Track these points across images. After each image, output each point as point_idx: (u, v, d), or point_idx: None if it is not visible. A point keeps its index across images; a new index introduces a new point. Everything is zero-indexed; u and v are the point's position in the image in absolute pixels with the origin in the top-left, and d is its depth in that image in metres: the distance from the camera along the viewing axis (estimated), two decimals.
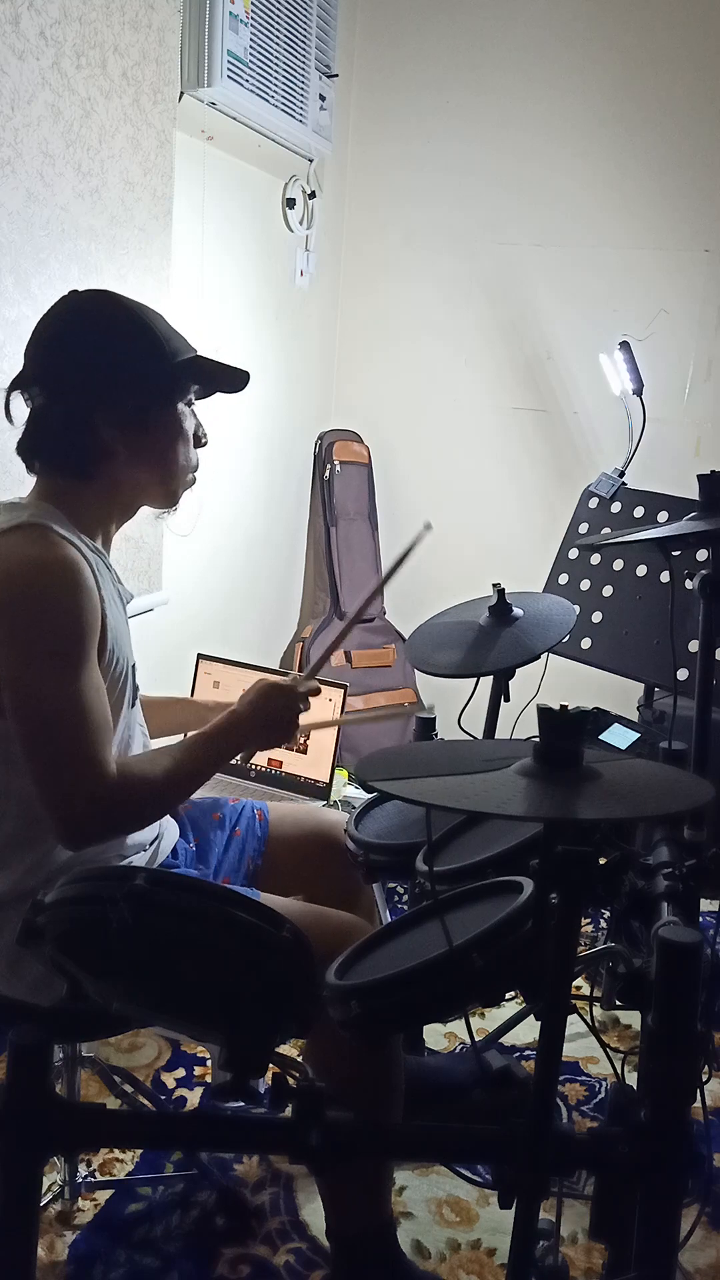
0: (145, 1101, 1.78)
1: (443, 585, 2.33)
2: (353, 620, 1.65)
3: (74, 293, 1.37)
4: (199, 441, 1.44)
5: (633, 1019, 2.14)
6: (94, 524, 1.38)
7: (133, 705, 1.43)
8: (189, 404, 1.42)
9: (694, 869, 1.32)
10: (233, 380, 1.44)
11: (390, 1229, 1.47)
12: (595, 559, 2.56)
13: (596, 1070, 2.03)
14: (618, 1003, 2.03)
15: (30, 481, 1.40)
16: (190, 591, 2.72)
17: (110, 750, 1.26)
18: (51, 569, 1.24)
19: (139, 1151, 1.76)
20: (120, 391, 1.33)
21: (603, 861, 1.26)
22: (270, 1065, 1.09)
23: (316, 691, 1.48)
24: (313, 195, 3.03)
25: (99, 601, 1.27)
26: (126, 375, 1.33)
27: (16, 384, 1.35)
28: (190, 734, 1.42)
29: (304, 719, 1.48)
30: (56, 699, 1.22)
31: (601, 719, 2.48)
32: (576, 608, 1.89)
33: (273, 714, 1.42)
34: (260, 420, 3.03)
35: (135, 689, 1.43)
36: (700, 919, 1.29)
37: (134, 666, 1.42)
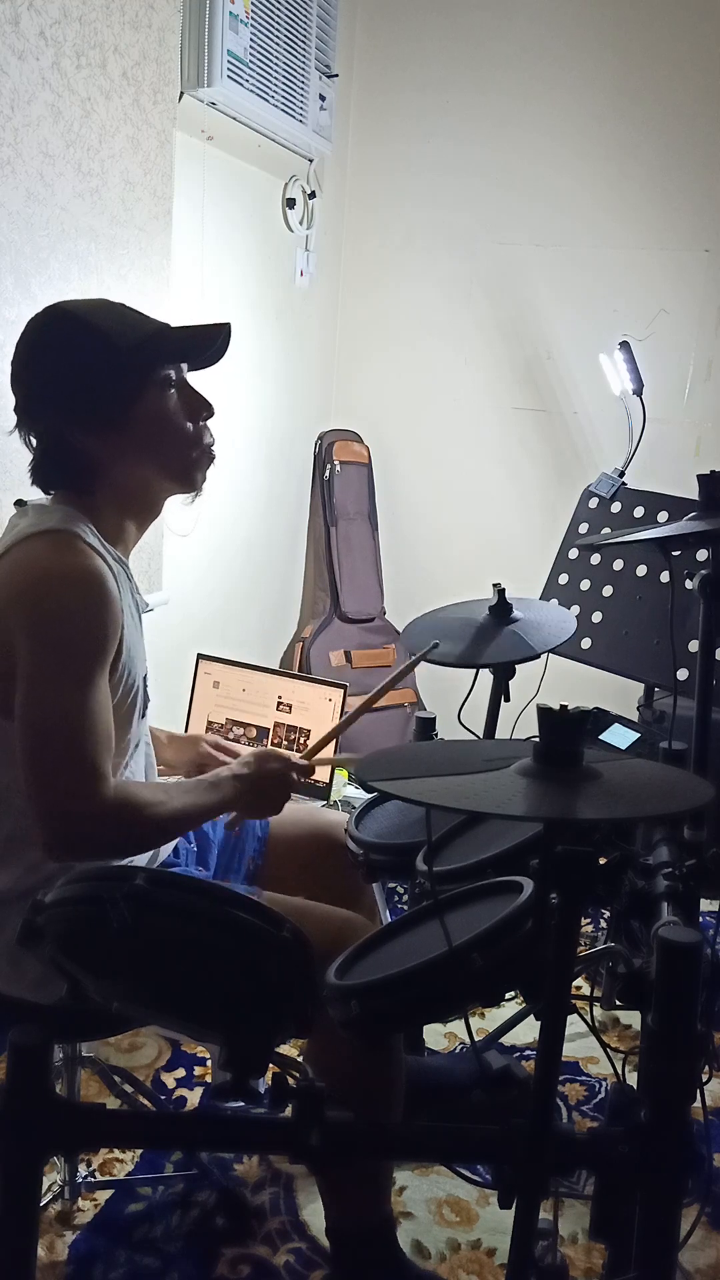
0: (145, 1101, 1.78)
1: (442, 585, 2.33)
2: (356, 714, 1.59)
3: (30, 320, 1.34)
4: (200, 414, 1.39)
5: (633, 1019, 2.14)
6: (114, 529, 1.37)
7: (143, 717, 1.42)
8: (171, 382, 1.36)
9: (694, 869, 1.32)
10: (212, 337, 1.39)
11: (390, 1227, 1.47)
12: (595, 559, 2.56)
13: (596, 1070, 2.03)
14: (618, 1003, 2.03)
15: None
16: (190, 591, 2.72)
17: (110, 763, 1.24)
18: (76, 579, 1.24)
19: (139, 1151, 1.76)
20: (80, 402, 1.31)
21: (603, 861, 1.26)
22: (270, 1065, 1.09)
23: (310, 773, 1.53)
24: (313, 195, 3.03)
25: (119, 614, 1.27)
26: (81, 384, 1.31)
27: (17, 424, 1.36)
28: (189, 779, 1.41)
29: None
30: (63, 706, 1.21)
31: (601, 719, 2.48)
32: (576, 607, 1.89)
33: (267, 780, 1.44)
34: (260, 420, 3.03)
35: (147, 700, 1.42)
36: (700, 919, 1.29)
37: (146, 677, 1.41)
